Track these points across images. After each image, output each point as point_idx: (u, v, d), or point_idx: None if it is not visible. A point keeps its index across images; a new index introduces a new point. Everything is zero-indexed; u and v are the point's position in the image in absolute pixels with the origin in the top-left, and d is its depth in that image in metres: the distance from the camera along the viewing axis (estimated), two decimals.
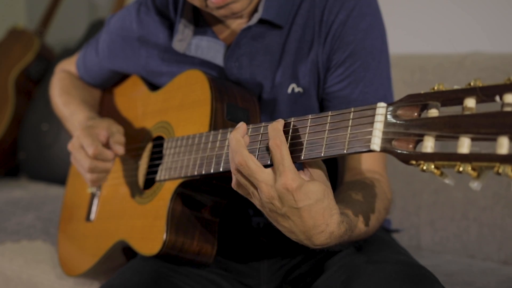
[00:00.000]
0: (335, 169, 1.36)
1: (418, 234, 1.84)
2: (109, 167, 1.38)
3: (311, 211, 0.97)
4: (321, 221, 0.99)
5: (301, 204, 0.97)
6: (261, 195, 0.98)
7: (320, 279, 1.16)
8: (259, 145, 1.07)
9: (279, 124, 1.00)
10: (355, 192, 1.17)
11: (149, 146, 1.41)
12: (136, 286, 1.22)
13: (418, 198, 1.83)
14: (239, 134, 1.02)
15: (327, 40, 1.28)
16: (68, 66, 1.72)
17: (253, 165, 0.98)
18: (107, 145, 1.38)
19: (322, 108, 1.33)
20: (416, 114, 0.87)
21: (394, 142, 0.87)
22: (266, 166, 1.06)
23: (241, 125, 1.04)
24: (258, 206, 1.03)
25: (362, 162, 1.28)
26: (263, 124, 1.08)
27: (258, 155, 1.06)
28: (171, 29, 1.42)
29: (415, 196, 1.83)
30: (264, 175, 0.97)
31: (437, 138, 0.83)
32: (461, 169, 0.79)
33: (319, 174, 1.01)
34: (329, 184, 1.02)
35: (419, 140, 0.85)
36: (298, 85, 1.30)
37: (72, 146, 1.39)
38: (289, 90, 1.31)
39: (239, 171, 1.01)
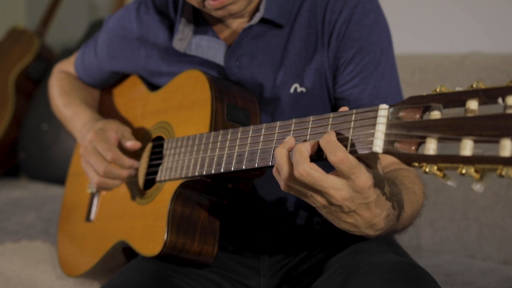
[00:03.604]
0: None
1: (418, 234, 1.84)
2: (123, 175, 1.35)
3: (378, 201, 0.97)
4: (386, 206, 0.98)
5: (371, 198, 0.95)
6: (331, 199, 0.94)
7: (318, 280, 1.16)
8: (260, 146, 1.07)
9: (331, 136, 0.93)
10: (396, 182, 1.15)
11: (149, 146, 1.41)
12: (137, 286, 1.22)
13: None
14: (304, 146, 0.96)
15: (331, 39, 1.28)
16: (66, 67, 1.71)
17: (317, 173, 0.93)
18: (118, 147, 1.36)
19: (336, 108, 1.30)
20: (418, 116, 0.87)
21: (396, 144, 0.87)
22: (267, 167, 1.06)
23: (311, 142, 0.98)
24: (317, 207, 1.00)
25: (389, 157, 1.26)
26: (264, 125, 1.08)
27: (259, 156, 1.06)
28: (171, 29, 1.41)
29: None
30: (330, 181, 0.93)
31: (440, 140, 0.83)
32: (463, 171, 0.78)
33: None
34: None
35: (421, 142, 0.85)
36: (301, 85, 1.30)
37: (85, 150, 1.36)
38: (292, 90, 1.30)
39: (296, 181, 0.96)
